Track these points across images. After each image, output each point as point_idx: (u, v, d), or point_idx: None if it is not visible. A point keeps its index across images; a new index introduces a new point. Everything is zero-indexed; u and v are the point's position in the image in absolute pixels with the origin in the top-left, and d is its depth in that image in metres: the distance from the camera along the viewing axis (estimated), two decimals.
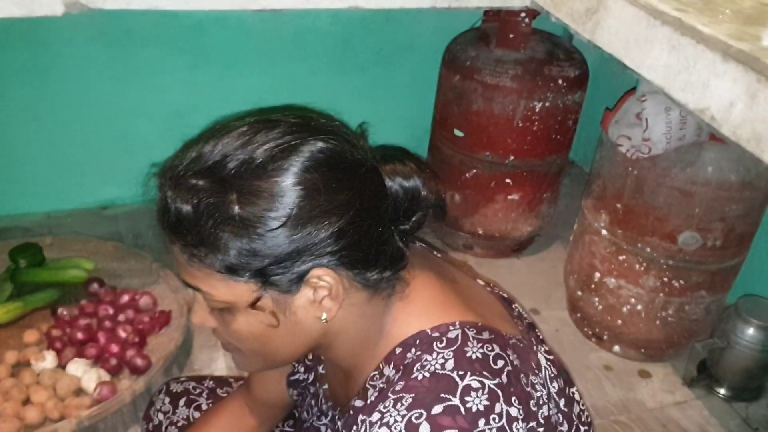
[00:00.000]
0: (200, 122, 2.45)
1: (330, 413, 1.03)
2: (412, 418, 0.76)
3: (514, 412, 0.79)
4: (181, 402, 1.40)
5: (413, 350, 0.83)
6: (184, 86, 2.36)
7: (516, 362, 0.85)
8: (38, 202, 2.40)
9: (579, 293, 2.08)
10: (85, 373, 1.77)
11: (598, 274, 1.98)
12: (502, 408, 0.78)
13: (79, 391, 1.75)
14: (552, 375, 0.92)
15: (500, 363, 0.82)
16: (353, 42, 2.48)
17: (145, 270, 2.11)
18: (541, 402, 0.85)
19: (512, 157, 2.18)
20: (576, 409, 0.96)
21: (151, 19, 2.23)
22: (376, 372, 0.87)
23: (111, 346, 1.85)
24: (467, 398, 0.77)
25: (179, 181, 0.79)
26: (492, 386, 0.79)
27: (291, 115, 0.84)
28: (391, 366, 0.84)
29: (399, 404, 0.78)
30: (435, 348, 0.82)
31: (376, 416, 0.79)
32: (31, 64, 2.19)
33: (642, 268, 1.88)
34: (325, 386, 1.06)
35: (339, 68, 2.51)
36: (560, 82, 2.11)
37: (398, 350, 0.85)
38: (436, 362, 0.80)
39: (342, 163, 0.81)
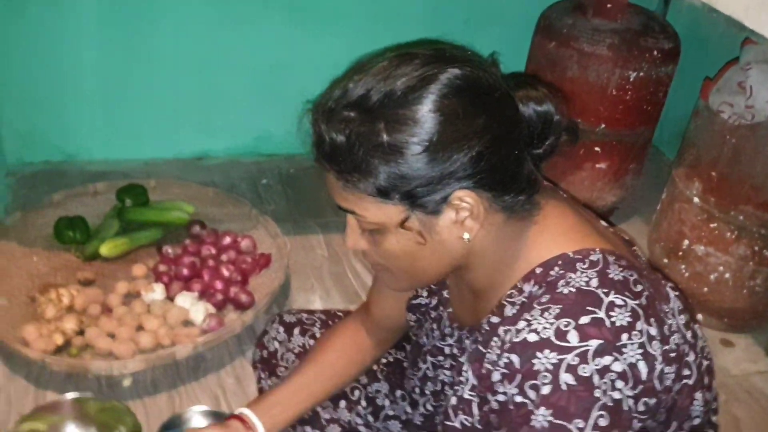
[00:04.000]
0: (292, 79, 2.56)
1: (456, 334, 1.08)
2: (561, 326, 0.82)
3: (653, 331, 0.85)
4: (296, 331, 1.46)
5: (556, 269, 0.89)
6: (278, 42, 2.43)
7: (651, 290, 0.90)
8: (137, 149, 2.49)
9: (665, 261, 2.12)
10: (192, 306, 1.86)
11: (686, 242, 2.02)
12: (642, 326, 0.84)
13: (187, 323, 1.84)
14: (680, 308, 0.96)
15: (639, 287, 0.88)
16: (441, 10, 2.54)
17: (244, 215, 2.19)
18: (672, 329, 0.90)
19: (603, 126, 2.22)
20: (700, 343, 1.00)
21: None
22: (514, 290, 0.92)
23: (215, 283, 1.93)
24: (612, 313, 0.83)
25: (331, 115, 0.86)
26: (634, 305, 0.84)
27: (426, 47, 0.90)
28: (532, 283, 0.90)
29: (546, 313, 0.84)
30: (578, 268, 0.88)
31: (522, 324, 0.85)
32: (132, 12, 2.28)
33: (733, 236, 1.91)
34: (450, 309, 1.11)
35: (425, 35, 2.56)
36: (655, 53, 2.14)
37: (539, 270, 0.90)
38: (581, 279, 0.86)
39: (479, 88, 0.87)
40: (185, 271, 1.96)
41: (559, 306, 0.84)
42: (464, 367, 0.99)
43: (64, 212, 2.09)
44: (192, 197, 2.23)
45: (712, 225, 1.94)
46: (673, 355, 0.88)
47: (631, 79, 2.15)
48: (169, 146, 2.52)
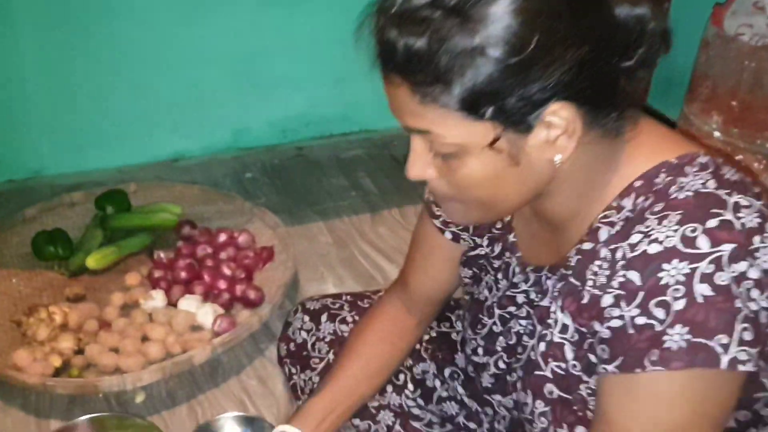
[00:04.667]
0: (270, 67, 2.39)
1: (532, 277, 0.96)
2: (686, 232, 0.72)
3: None
4: (323, 318, 1.34)
5: (661, 176, 0.79)
6: (252, 28, 2.28)
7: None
8: (108, 157, 2.30)
9: None
10: (198, 309, 1.69)
11: None
12: None
13: (195, 327, 1.67)
14: None
15: (756, 188, 0.79)
16: None
17: (236, 210, 2.03)
18: None
19: None
20: None
21: None
22: (610, 210, 0.82)
23: (218, 282, 1.77)
24: (739, 214, 0.74)
25: (405, 17, 0.73)
26: (759, 206, 0.75)
27: None
28: (633, 197, 0.80)
29: (665, 221, 0.73)
30: (688, 171, 0.78)
31: (636, 237, 0.75)
32: (94, 10, 2.10)
33: (762, 166, 1.82)
34: (518, 254, 0.99)
35: None
36: None
37: (638, 183, 0.80)
38: (695, 182, 0.76)
39: None
40: (183, 275, 1.79)
41: (679, 211, 0.74)
42: (551, 309, 0.88)
43: (41, 227, 1.90)
44: (177, 198, 2.06)
45: (737, 157, 1.84)
46: None
47: None
48: (142, 150, 2.34)
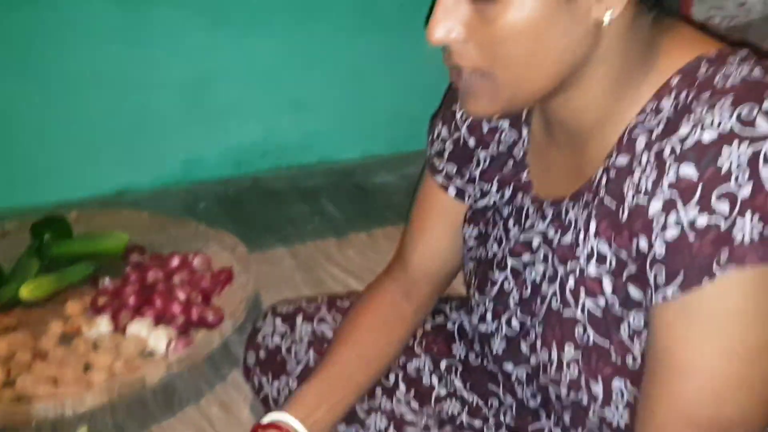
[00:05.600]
0: (223, 92, 2.25)
1: (550, 212, 0.86)
2: (743, 114, 0.65)
3: None
4: (299, 320, 1.19)
5: (702, 70, 0.72)
6: (203, 51, 2.13)
7: None
8: (43, 191, 2.08)
9: None
10: (150, 333, 1.50)
11: None
12: None
13: (147, 354, 1.48)
14: None
15: None
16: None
17: (190, 235, 1.86)
18: None
19: None
20: None
21: None
22: (646, 114, 0.74)
23: (171, 306, 1.58)
24: None
25: None
26: None
27: None
28: (672, 95, 0.72)
29: (716, 106, 0.66)
30: (730, 62, 0.71)
31: (685, 129, 0.67)
32: (33, 28, 1.95)
33: None
34: (533, 193, 0.89)
35: (360, 23, 2.31)
36: None
37: (675, 79, 0.73)
38: (741, 71, 0.70)
39: None
40: (132, 300, 1.59)
41: (729, 96, 0.66)
42: (579, 239, 0.78)
43: None
44: (124, 226, 1.87)
45: None
46: None
47: None
48: (83, 183, 2.13)
